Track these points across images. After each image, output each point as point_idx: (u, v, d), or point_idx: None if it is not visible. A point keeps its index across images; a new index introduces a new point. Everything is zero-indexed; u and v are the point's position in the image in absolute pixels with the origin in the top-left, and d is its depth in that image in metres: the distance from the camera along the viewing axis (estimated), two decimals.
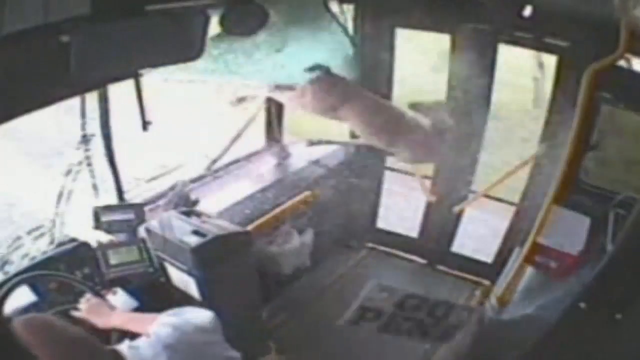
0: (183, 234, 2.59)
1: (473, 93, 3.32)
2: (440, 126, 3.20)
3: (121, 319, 1.92)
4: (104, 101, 2.68)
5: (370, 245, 4.07)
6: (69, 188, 2.64)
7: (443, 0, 3.05)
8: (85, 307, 2.00)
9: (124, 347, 1.53)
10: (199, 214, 2.84)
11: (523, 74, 6.53)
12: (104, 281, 2.44)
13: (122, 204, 2.86)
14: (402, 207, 4.85)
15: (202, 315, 1.58)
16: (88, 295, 2.08)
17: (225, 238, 2.63)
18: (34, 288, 2.23)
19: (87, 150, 2.69)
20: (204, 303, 2.61)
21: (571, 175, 2.80)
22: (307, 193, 3.51)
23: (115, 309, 2.04)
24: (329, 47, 3.09)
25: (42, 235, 2.57)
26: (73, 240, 2.56)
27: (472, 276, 3.70)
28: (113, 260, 2.49)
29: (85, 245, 2.50)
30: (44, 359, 1.11)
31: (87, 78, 1.97)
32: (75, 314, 2.01)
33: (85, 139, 2.67)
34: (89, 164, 2.72)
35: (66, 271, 2.41)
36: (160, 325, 1.56)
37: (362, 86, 3.67)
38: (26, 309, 2.14)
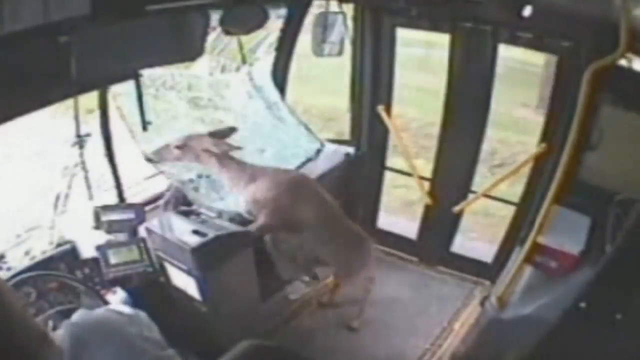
0: (183, 234, 2.59)
1: (472, 93, 3.32)
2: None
3: None
4: (104, 101, 2.68)
5: None
6: (68, 188, 2.64)
7: (443, 0, 3.05)
8: None
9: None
10: (198, 214, 2.84)
11: None
12: (104, 281, 2.45)
13: (122, 204, 2.86)
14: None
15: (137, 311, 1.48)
16: None
17: (225, 238, 2.63)
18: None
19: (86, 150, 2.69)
20: (204, 303, 2.62)
21: (571, 175, 2.79)
22: None
23: None
24: None
25: (41, 235, 2.57)
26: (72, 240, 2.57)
27: (472, 276, 3.69)
28: (113, 260, 2.49)
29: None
30: None
31: (87, 78, 1.97)
32: None
33: (83, 139, 2.67)
34: (87, 163, 2.72)
35: (66, 271, 2.42)
36: None
37: (362, 87, 3.68)
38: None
